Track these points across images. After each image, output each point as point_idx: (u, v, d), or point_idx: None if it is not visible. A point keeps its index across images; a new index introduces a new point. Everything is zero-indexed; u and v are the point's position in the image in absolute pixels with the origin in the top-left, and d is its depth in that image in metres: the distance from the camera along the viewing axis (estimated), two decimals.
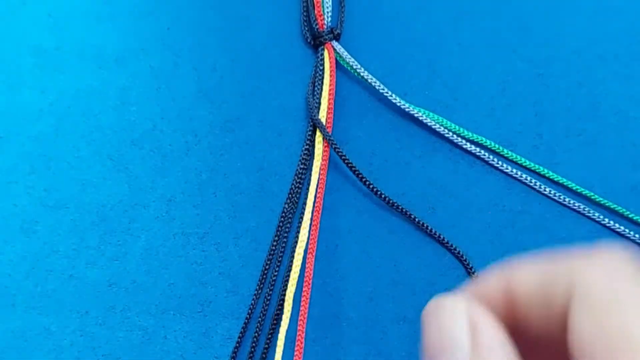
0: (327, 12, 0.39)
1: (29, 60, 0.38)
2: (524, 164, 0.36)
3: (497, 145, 0.36)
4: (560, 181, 0.35)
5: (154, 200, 0.35)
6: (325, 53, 0.38)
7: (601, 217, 0.34)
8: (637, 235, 0.34)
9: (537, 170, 0.35)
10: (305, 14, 0.39)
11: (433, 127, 0.36)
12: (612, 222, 0.34)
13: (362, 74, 0.37)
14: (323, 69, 0.37)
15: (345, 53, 0.38)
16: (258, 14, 0.40)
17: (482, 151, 0.36)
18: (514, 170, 0.35)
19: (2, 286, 0.33)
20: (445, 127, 0.36)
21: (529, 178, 0.35)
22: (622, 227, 0.34)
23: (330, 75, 0.37)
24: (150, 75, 0.38)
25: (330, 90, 0.37)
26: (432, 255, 0.34)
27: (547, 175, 0.35)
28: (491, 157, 0.36)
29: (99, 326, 0.32)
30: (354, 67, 0.37)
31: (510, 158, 0.36)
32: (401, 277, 0.33)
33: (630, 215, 0.34)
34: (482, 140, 0.36)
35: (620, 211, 0.34)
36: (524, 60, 0.39)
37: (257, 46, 0.39)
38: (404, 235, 0.34)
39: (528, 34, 0.40)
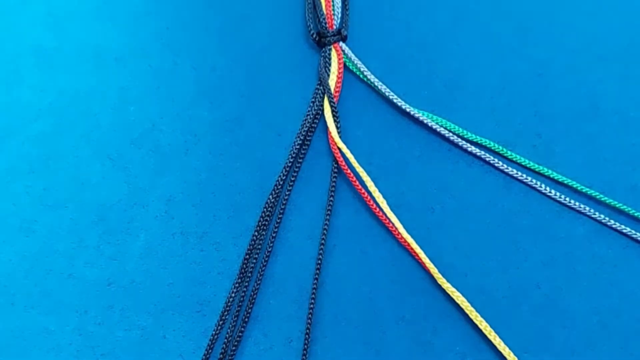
0: (337, 13, 0.39)
1: (28, 60, 0.38)
2: (523, 164, 0.35)
3: (496, 145, 0.36)
4: (560, 180, 0.35)
5: (153, 200, 0.35)
6: (333, 53, 0.38)
7: (601, 216, 0.34)
8: (638, 234, 0.34)
9: (536, 170, 0.35)
10: (310, 11, 0.39)
11: (433, 127, 0.36)
12: (612, 221, 0.34)
13: (368, 76, 0.37)
14: (329, 69, 0.38)
15: (353, 55, 0.38)
16: (257, 13, 0.40)
17: (481, 151, 0.36)
18: (513, 170, 0.35)
19: (1, 285, 0.33)
20: (446, 128, 0.36)
21: (528, 178, 0.35)
22: (622, 226, 0.34)
23: (338, 77, 0.37)
24: (149, 74, 0.38)
25: (336, 90, 0.37)
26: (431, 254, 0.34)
27: (546, 174, 0.35)
28: (490, 156, 0.36)
29: (98, 325, 0.32)
30: (362, 69, 0.37)
31: (510, 158, 0.36)
32: (400, 277, 0.33)
33: (631, 212, 0.34)
34: (481, 140, 0.36)
35: (621, 208, 0.34)
36: (523, 60, 0.39)
37: (256, 46, 0.39)
38: None
39: (528, 34, 0.40)
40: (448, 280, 0.32)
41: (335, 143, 0.35)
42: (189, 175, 0.35)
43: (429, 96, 0.38)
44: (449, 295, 0.32)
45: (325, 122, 0.37)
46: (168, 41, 0.39)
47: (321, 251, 0.33)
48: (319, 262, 0.33)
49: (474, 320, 0.31)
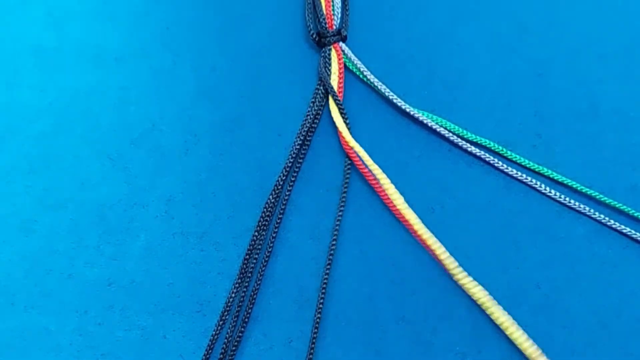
0: (337, 13, 0.39)
1: (28, 60, 0.38)
2: (523, 164, 0.35)
3: (496, 145, 0.36)
4: (560, 180, 0.35)
5: (153, 200, 0.35)
6: (333, 53, 0.38)
7: (601, 216, 0.34)
8: (638, 234, 0.34)
9: (536, 170, 0.35)
10: (310, 11, 0.39)
11: (433, 127, 0.36)
12: (612, 221, 0.34)
13: (368, 77, 0.37)
14: (330, 69, 0.38)
15: (353, 55, 0.38)
16: (257, 13, 0.40)
17: (481, 151, 0.36)
18: (513, 170, 0.35)
19: (1, 285, 0.33)
20: (446, 128, 0.36)
21: (528, 178, 0.35)
22: (622, 226, 0.34)
23: (339, 77, 0.37)
24: (149, 74, 0.38)
25: (339, 90, 0.37)
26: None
27: (546, 174, 0.35)
28: (490, 156, 0.36)
29: (98, 325, 0.32)
30: (362, 69, 0.37)
31: (510, 158, 0.36)
32: (400, 277, 0.33)
33: (631, 212, 0.34)
34: (481, 140, 0.36)
35: (621, 208, 0.34)
36: (523, 60, 0.39)
37: (257, 46, 0.39)
38: (403, 235, 0.34)
39: (528, 34, 0.40)
40: (447, 281, 0.32)
41: (347, 142, 0.35)
42: (189, 175, 0.35)
43: (429, 96, 0.38)
44: (448, 295, 0.32)
45: (324, 121, 0.37)
46: (168, 41, 0.39)
47: (332, 250, 0.33)
48: (330, 260, 0.33)
49: (493, 318, 0.31)
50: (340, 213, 0.34)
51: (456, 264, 0.32)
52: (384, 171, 0.35)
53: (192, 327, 0.32)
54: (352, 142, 0.35)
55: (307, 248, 0.34)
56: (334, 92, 0.36)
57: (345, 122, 0.36)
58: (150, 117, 0.37)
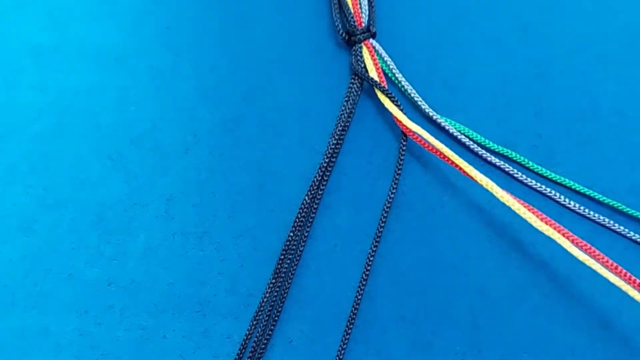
0: (364, 10, 0.39)
1: (28, 59, 0.38)
2: (523, 164, 0.35)
3: (497, 145, 0.36)
4: (560, 181, 0.35)
5: (153, 200, 0.35)
6: (365, 51, 0.38)
7: (601, 217, 0.34)
8: (637, 235, 0.34)
9: (536, 170, 0.35)
10: (336, 11, 0.39)
11: (460, 137, 0.36)
12: (612, 222, 0.34)
13: (397, 75, 0.37)
14: (364, 66, 0.37)
15: (383, 52, 0.38)
16: (258, 13, 0.40)
17: (482, 150, 0.36)
18: (514, 170, 0.35)
19: (1, 285, 0.33)
20: (461, 132, 0.36)
21: (528, 178, 0.35)
22: (622, 227, 0.34)
23: (377, 71, 0.37)
24: (149, 74, 0.38)
25: (382, 83, 0.37)
26: (431, 254, 0.34)
27: (546, 175, 0.35)
28: (491, 156, 0.36)
29: (98, 325, 0.32)
30: (390, 66, 0.37)
31: (510, 157, 0.36)
32: (401, 277, 0.33)
33: (630, 212, 0.34)
34: (482, 140, 0.36)
35: (620, 208, 0.34)
36: (523, 60, 0.39)
37: (257, 45, 0.39)
38: (403, 234, 0.34)
39: (528, 33, 0.40)
40: (447, 281, 0.32)
41: (407, 127, 0.35)
42: (189, 175, 0.35)
43: (429, 96, 0.38)
44: (448, 295, 0.32)
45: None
46: (168, 41, 0.39)
47: (373, 249, 0.33)
48: (370, 259, 0.33)
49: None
50: (389, 202, 0.34)
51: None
52: (383, 172, 0.35)
53: (192, 327, 0.32)
54: (413, 126, 0.35)
55: (307, 248, 0.34)
56: (379, 84, 0.36)
57: (399, 109, 0.36)
58: (150, 117, 0.37)
